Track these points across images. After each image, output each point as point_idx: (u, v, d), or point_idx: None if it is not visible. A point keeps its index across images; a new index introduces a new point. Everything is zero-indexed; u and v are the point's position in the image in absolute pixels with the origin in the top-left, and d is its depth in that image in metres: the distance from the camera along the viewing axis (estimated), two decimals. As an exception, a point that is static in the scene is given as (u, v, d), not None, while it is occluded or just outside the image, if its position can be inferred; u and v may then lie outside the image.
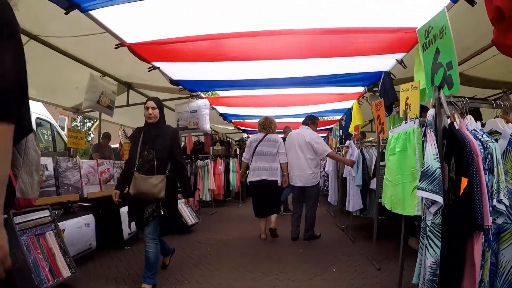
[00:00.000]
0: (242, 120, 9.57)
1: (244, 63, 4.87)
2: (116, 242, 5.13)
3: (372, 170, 5.23)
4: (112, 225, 5.15)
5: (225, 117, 8.84)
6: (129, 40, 4.18)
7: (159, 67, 5.18)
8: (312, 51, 4.51)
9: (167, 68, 5.28)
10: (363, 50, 4.36)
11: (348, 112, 7.96)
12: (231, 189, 10.23)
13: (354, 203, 5.23)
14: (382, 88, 5.12)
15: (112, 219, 5.11)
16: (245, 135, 12.08)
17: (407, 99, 3.12)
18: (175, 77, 5.67)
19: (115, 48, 4.24)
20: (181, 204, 6.30)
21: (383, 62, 4.91)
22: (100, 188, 4.99)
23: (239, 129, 11.29)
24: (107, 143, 8.32)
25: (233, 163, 10.29)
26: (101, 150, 8.01)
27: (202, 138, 11.57)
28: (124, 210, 4.66)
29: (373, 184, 5.17)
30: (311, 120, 5.77)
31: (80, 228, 4.40)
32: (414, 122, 2.79)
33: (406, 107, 3.08)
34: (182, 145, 10.07)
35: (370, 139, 8.43)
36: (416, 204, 2.70)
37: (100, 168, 5.15)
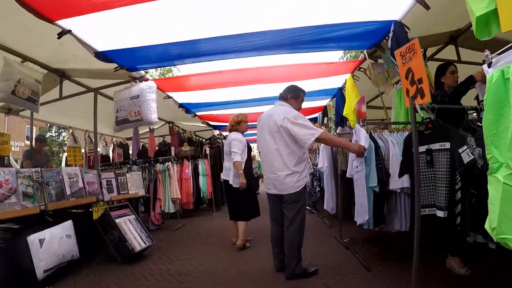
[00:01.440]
0: (208, 113, 7.90)
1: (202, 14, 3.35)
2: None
3: (390, 163, 3.71)
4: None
5: (187, 109, 7.15)
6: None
7: (70, 30, 3.53)
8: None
9: (86, 31, 3.63)
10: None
11: (338, 93, 6.46)
12: (202, 196, 8.56)
13: (363, 211, 3.62)
14: (393, 44, 3.62)
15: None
16: (216, 132, 10.41)
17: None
18: (100, 48, 4.02)
19: None
20: (127, 222, 4.68)
21: (394, 5, 3.41)
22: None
23: (208, 125, 9.62)
24: (41, 148, 6.56)
25: (202, 165, 8.64)
26: (33, 157, 6.27)
27: (168, 139, 9.94)
28: (34, 238, 3.66)
29: (396, 184, 3.66)
30: (292, 93, 3.82)
31: None
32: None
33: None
34: (140, 146, 8.38)
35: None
36: None
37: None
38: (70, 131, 9.31)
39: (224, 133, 11.77)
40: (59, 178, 4.33)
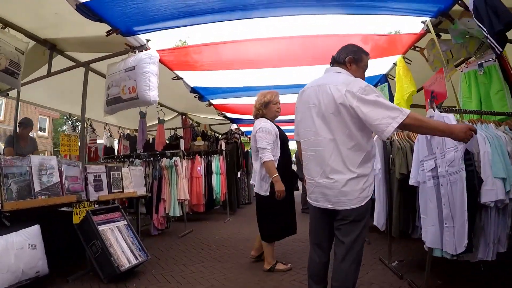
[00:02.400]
0: (225, 102, 6.76)
1: None
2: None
3: (481, 165, 2.52)
4: None
5: (200, 95, 6.04)
6: None
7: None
8: None
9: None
10: None
11: (383, 80, 5.25)
12: (214, 197, 7.46)
13: (462, 235, 2.38)
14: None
15: None
16: (233, 126, 9.27)
17: None
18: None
19: None
20: (115, 230, 3.63)
21: None
22: None
23: (225, 117, 8.51)
24: (26, 133, 5.58)
25: (217, 163, 7.54)
26: (18, 144, 5.30)
27: (180, 132, 8.91)
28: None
29: (490, 194, 2.48)
30: (352, 54, 2.50)
31: None
32: None
33: None
34: (149, 139, 7.38)
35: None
36: None
37: None
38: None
39: (243, 128, 10.65)
40: (25, 169, 3.30)
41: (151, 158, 6.33)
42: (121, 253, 3.60)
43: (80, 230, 3.73)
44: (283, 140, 3.78)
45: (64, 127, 7.33)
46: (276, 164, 3.55)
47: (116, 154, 8.26)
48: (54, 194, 3.51)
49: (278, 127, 3.79)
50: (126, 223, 3.96)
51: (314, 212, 2.55)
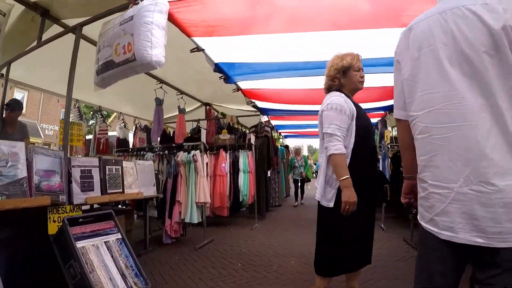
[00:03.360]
0: (255, 85, 5.58)
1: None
2: None
3: None
4: None
5: (226, 75, 4.88)
6: None
7: None
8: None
9: None
10: None
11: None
12: (241, 199, 6.33)
13: None
14: None
15: None
16: (264, 118, 8.07)
17: None
18: None
19: None
20: (101, 248, 2.57)
21: None
22: None
23: (255, 107, 7.32)
24: (15, 117, 4.62)
25: (244, 159, 6.40)
26: (3, 130, 4.39)
27: (204, 124, 7.87)
28: None
29: None
30: None
31: None
32: None
33: None
34: (162, 129, 6.36)
35: None
36: None
37: None
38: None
39: (274, 121, 9.46)
40: (-32, 159, 2.28)
41: (166, 152, 5.26)
42: (107, 281, 2.52)
43: (56, 244, 2.69)
44: (364, 124, 2.46)
45: (71, 115, 6.42)
46: (348, 160, 2.30)
47: (131, 147, 7.28)
48: (16, 193, 2.48)
49: (357, 106, 2.49)
50: (120, 236, 2.87)
51: (435, 247, 1.33)
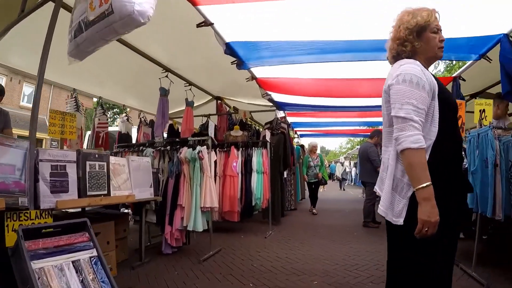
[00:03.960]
0: (272, 73, 4.83)
1: None
2: None
3: None
4: None
5: (239, 58, 4.17)
6: None
7: None
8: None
9: None
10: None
11: (506, 43, 3.29)
12: (254, 203, 5.61)
13: None
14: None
15: None
16: (280, 113, 7.33)
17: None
18: None
19: None
20: (68, 270, 1.85)
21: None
22: None
23: (271, 101, 6.58)
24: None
25: (258, 158, 5.68)
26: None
27: (215, 119, 7.21)
28: None
29: None
30: None
31: None
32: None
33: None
34: (166, 123, 5.70)
35: None
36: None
37: None
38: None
39: (290, 119, 8.71)
40: None
41: (168, 147, 4.58)
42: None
43: (13, 261, 2.03)
44: (452, 106, 1.70)
45: (67, 106, 5.79)
46: (427, 157, 1.52)
47: (135, 142, 6.64)
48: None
49: (437, 80, 1.68)
50: (95, 253, 2.18)
51: None
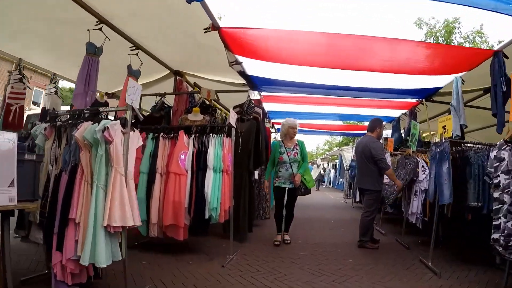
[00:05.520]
0: (248, 22, 3.34)
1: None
2: None
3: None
4: None
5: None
6: None
7: None
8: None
9: None
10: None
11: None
12: (207, 215, 3.89)
13: None
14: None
15: None
16: (254, 94, 5.56)
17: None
18: None
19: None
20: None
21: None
22: None
23: (242, 74, 4.80)
24: None
25: (217, 150, 3.98)
26: None
27: (171, 100, 5.57)
28: None
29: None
30: None
31: None
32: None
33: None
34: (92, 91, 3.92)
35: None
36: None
37: None
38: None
39: (267, 105, 7.02)
40: None
41: (71, 121, 2.84)
42: None
43: None
44: None
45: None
46: None
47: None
48: None
49: None
50: None
51: None
